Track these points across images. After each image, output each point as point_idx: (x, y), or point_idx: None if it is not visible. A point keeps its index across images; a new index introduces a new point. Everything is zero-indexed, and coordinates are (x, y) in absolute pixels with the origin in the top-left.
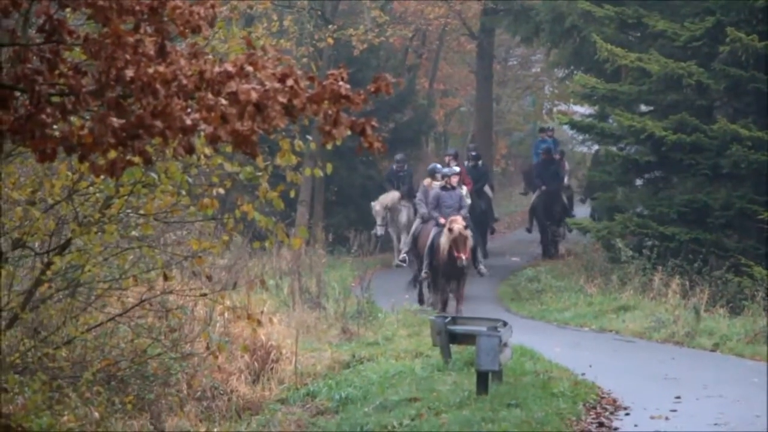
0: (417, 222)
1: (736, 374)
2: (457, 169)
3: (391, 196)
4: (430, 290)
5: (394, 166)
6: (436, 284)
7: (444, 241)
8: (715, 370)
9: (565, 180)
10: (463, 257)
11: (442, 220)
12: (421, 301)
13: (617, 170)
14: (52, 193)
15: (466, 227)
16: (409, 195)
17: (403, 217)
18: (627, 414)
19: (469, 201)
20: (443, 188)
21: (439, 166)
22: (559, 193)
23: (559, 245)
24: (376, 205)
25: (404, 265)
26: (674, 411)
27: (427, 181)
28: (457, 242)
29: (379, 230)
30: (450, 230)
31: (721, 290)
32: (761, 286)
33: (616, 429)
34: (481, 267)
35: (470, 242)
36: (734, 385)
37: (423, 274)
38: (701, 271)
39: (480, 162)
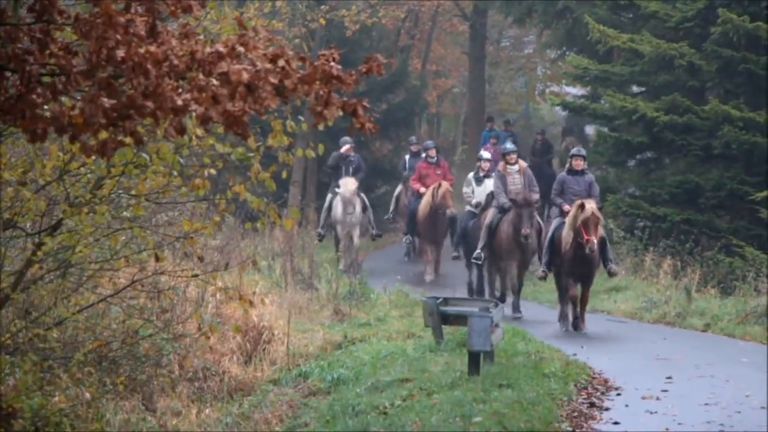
0: (493, 211)
1: (727, 354)
2: (514, 147)
3: (352, 183)
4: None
5: (342, 150)
6: (559, 288)
7: (567, 229)
8: (707, 351)
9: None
10: (594, 240)
11: (566, 208)
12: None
13: (609, 151)
14: (43, 173)
15: (600, 209)
16: (362, 184)
17: (358, 209)
18: (618, 394)
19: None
20: (569, 172)
21: (509, 145)
22: None
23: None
24: (346, 192)
25: (479, 262)
26: (665, 391)
27: (501, 164)
28: (587, 223)
29: (351, 218)
30: (581, 207)
31: (712, 270)
32: (752, 266)
33: (607, 409)
34: (613, 265)
35: (602, 228)
36: (725, 365)
37: (540, 272)
38: (693, 252)
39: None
